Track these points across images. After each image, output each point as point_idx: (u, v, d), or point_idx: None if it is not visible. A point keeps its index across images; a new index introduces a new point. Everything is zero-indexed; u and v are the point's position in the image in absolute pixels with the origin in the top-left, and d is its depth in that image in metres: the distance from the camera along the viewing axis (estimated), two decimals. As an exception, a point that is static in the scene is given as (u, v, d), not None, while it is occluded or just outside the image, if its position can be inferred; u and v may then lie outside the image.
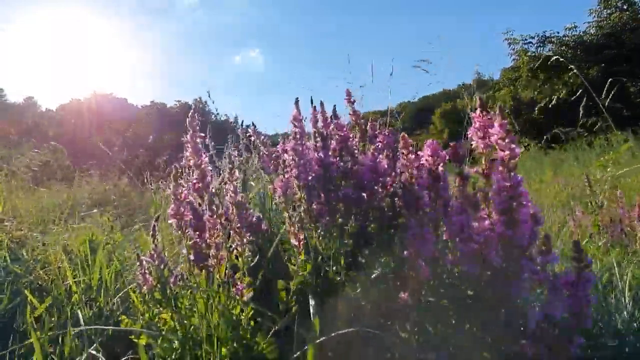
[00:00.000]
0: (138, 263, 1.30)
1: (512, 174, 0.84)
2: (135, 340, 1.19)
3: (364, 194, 1.30)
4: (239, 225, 1.27)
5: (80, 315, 1.43)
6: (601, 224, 2.55)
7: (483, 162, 0.92)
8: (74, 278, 1.68)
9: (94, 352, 1.11)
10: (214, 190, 1.25)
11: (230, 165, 1.34)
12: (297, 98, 1.45)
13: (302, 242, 1.24)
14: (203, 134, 1.27)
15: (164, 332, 1.18)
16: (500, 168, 0.85)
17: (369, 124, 1.46)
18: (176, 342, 1.14)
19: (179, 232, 1.23)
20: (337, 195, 1.30)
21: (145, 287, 1.28)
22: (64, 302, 1.51)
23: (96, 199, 4.69)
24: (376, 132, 1.44)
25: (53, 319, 1.48)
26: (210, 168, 1.26)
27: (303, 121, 1.41)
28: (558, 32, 21.13)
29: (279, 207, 1.71)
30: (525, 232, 0.84)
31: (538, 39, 21.43)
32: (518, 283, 0.84)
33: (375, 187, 1.30)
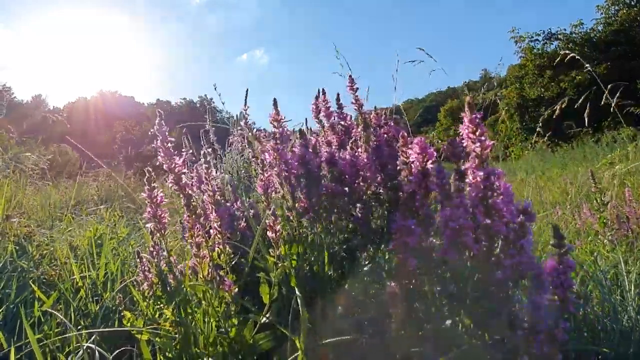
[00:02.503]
0: (139, 260, 1.30)
1: (485, 164, 0.90)
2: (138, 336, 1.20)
3: (346, 189, 1.29)
4: (218, 223, 1.24)
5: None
6: (608, 221, 2.53)
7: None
8: (80, 273, 1.69)
9: (94, 347, 1.12)
10: (190, 192, 1.24)
11: (206, 165, 1.31)
12: (275, 99, 1.40)
13: (278, 234, 1.23)
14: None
15: (163, 331, 1.19)
16: (476, 160, 0.90)
17: (372, 114, 1.41)
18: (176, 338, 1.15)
19: (158, 235, 1.21)
20: (319, 191, 1.28)
21: (145, 284, 1.28)
22: (71, 297, 1.53)
23: (103, 196, 4.73)
24: (381, 123, 1.39)
25: (61, 312, 1.49)
26: (185, 170, 1.24)
27: (283, 121, 1.38)
28: (565, 29, 20.93)
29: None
30: (502, 220, 0.88)
31: (544, 36, 21.25)
32: (502, 271, 0.88)
33: (357, 182, 1.30)
